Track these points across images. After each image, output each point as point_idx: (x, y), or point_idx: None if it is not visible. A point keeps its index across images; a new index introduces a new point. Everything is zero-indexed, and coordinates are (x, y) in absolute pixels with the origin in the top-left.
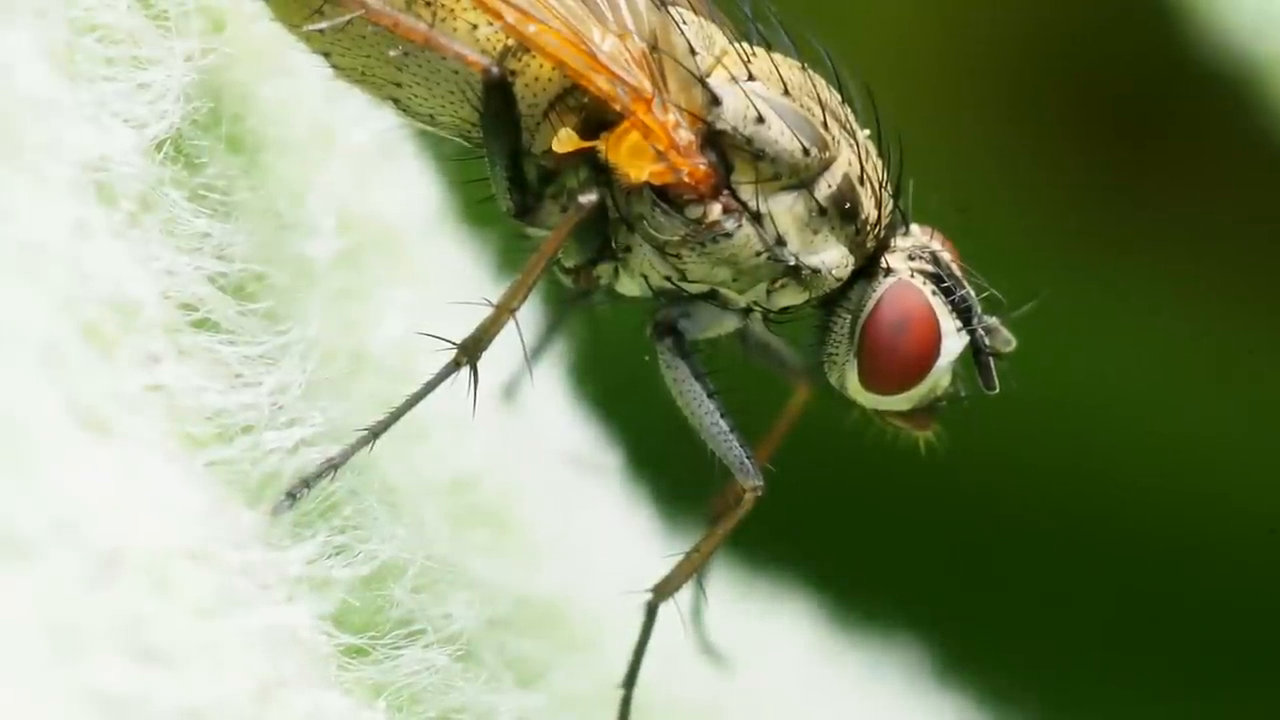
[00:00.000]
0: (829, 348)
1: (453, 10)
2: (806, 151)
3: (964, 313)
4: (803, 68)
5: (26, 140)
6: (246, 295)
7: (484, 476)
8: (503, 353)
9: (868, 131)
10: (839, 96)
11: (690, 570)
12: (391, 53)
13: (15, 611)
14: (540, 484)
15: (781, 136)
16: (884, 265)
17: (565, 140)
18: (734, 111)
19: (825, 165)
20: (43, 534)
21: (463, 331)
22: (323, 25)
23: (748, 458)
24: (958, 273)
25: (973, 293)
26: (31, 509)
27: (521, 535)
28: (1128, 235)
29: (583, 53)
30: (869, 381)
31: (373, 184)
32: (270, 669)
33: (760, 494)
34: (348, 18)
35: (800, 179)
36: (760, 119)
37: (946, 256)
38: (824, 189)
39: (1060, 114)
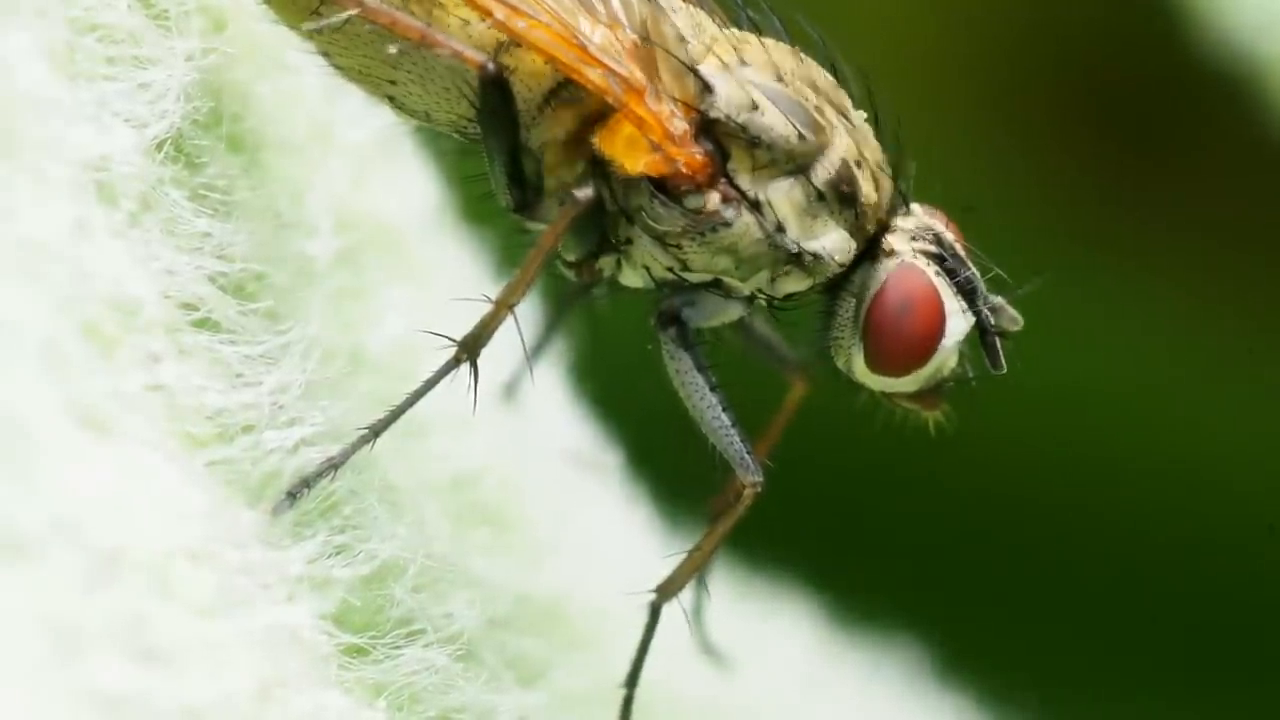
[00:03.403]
0: (834, 332)
1: (445, 7)
2: (802, 137)
3: (969, 293)
4: (795, 52)
5: (27, 140)
6: (246, 295)
7: (484, 475)
8: (503, 351)
9: (864, 114)
10: (834, 80)
11: (693, 569)
12: (389, 50)
13: (16, 611)
14: (540, 483)
15: (776, 122)
16: (886, 247)
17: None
18: (727, 99)
19: (821, 150)
20: (43, 534)
21: (462, 329)
22: (319, 24)
23: (748, 453)
24: (961, 253)
25: (977, 272)
26: (31, 509)
27: (522, 534)
28: (1123, 236)
29: (574, 46)
30: (875, 364)
31: (372, 182)
32: (270, 669)
33: (760, 490)
34: (344, 16)
35: (797, 164)
36: (754, 106)
37: (950, 236)
38: (821, 174)
39: (1053, 114)
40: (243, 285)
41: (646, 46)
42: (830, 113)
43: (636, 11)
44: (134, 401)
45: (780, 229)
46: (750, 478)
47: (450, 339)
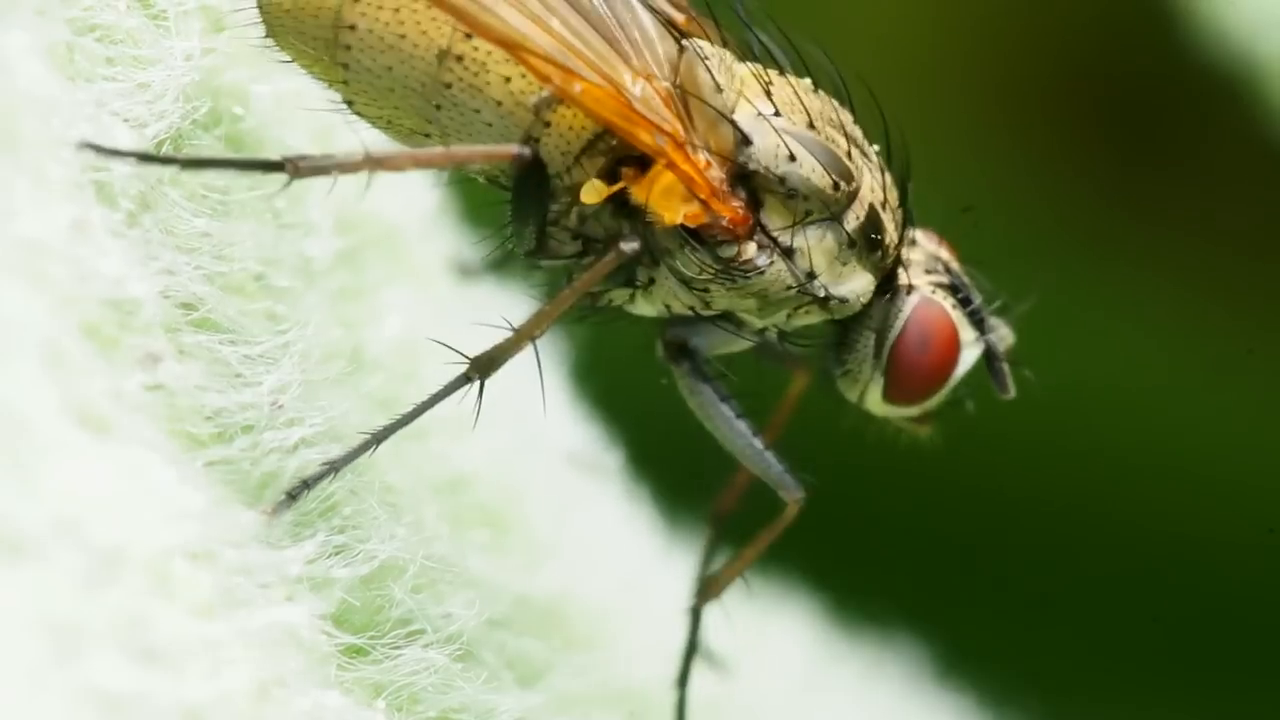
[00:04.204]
0: (849, 365)
1: (485, 65)
2: (836, 186)
3: (978, 322)
4: (815, 90)
5: (27, 140)
6: (246, 295)
7: (484, 476)
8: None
9: (877, 147)
10: (850, 115)
11: (734, 575)
12: (429, 104)
13: (16, 611)
14: (540, 484)
15: (813, 174)
16: (906, 283)
17: (594, 190)
18: (766, 151)
19: (853, 196)
20: (43, 534)
21: (461, 331)
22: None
23: (787, 471)
24: (968, 281)
25: (980, 298)
26: (31, 509)
27: (522, 534)
28: (1123, 236)
29: (620, 103)
30: (893, 396)
31: (372, 183)
32: (270, 669)
33: (803, 504)
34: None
35: (830, 213)
36: (791, 157)
37: (955, 265)
38: (853, 220)
39: (1053, 114)
40: (242, 285)
41: (679, 93)
42: (857, 157)
43: (663, 54)
44: (133, 401)
45: (811, 275)
46: (793, 495)
47: (463, 355)
